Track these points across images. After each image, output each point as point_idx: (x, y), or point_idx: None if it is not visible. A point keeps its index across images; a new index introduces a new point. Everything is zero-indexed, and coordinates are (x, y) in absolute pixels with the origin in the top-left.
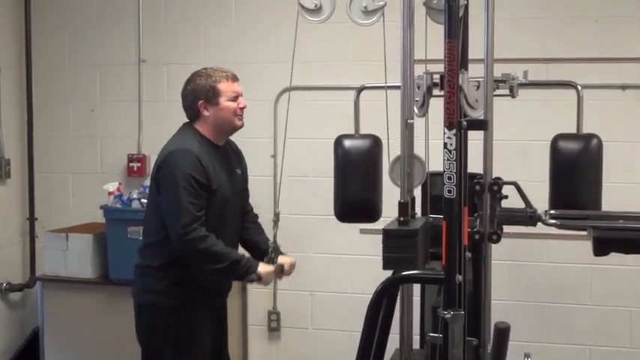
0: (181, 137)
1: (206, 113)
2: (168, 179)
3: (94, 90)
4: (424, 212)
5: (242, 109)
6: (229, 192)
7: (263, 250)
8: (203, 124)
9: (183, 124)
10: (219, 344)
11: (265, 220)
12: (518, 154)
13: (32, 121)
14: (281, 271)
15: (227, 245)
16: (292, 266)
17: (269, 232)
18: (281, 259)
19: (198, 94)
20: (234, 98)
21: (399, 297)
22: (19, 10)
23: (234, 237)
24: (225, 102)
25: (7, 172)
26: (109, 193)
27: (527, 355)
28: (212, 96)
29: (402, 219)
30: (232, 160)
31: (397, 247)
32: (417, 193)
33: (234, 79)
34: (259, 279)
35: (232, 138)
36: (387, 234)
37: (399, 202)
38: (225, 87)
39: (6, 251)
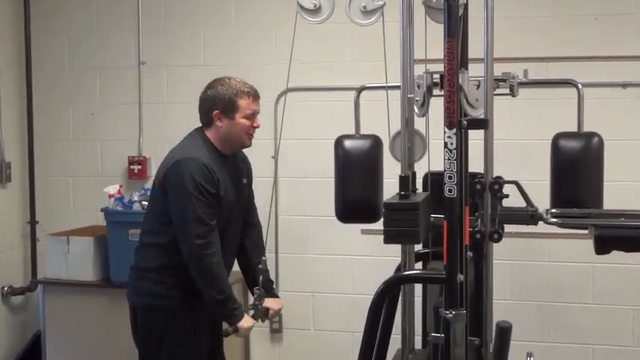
0: (191, 145)
1: (219, 124)
2: (178, 189)
3: (94, 93)
4: None
5: (255, 128)
6: (234, 201)
7: (250, 267)
8: (214, 133)
9: (195, 129)
10: (216, 345)
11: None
12: (518, 153)
13: (32, 124)
14: (265, 314)
15: (225, 254)
16: (277, 312)
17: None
18: (267, 303)
19: (216, 103)
20: (251, 116)
21: (400, 297)
22: (19, 12)
23: (234, 246)
24: (240, 118)
25: (7, 176)
26: (110, 196)
27: (529, 355)
28: (229, 109)
29: (402, 193)
30: (239, 169)
31: (398, 220)
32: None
33: (256, 97)
34: (236, 331)
35: None
36: (389, 207)
37: (400, 176)
38: (244, 104)
39: (7, 255)
